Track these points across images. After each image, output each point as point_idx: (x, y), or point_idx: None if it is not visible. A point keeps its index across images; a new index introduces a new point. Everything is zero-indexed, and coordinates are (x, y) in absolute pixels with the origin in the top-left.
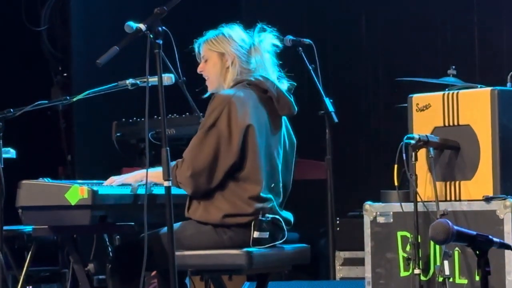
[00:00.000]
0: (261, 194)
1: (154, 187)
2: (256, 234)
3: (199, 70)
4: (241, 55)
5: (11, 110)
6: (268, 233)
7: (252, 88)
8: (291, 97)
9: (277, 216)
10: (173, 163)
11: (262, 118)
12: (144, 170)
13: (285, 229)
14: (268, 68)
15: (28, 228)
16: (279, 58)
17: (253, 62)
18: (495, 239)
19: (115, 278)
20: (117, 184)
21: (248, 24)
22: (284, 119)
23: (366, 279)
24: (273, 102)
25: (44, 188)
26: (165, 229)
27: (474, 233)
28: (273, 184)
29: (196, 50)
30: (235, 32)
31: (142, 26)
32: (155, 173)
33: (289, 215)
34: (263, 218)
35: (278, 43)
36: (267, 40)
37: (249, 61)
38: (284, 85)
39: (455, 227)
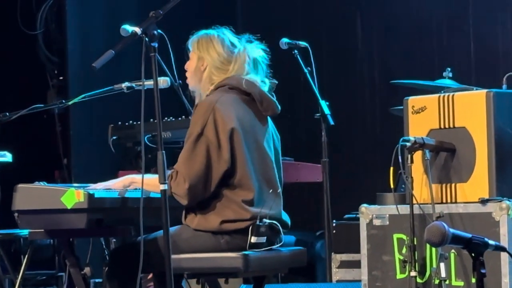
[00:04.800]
0: (256, 199)
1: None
2: (253, 239)
3: (185, 67)
4: (216, 63)
5: (7, 113)
6: (265, 237)
7: (234, 91)
8: (274, 96)
9: (274, 221)
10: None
11: (247, 120)
12: (132, 175)
13: (282, 233)
14: (251, 72)
15: (24, 232)
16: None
17: (234, 68)
18: (490, 242)
19: (112, 281)
20: (102, 188)
21: (244, 28)
22: (268, 117)
23: (362, 281)
24: (256, 104)
25: (40, 191)
26: (161, 232)
27: (470, 235)
28: (271, 190)
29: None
30: (220, 39)
31: (137, 30)
32: (146, 181)
33: (286, 218)
34: (261, 223)
35: (265, 54)
36: (255, 49)
37: (227, 68)
38: (266, 85)
39: (451, 230)
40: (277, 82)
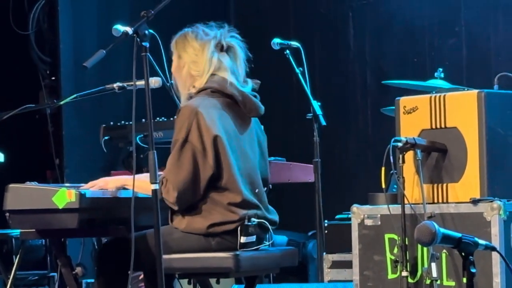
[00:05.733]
0: (244, 201)
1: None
2: (243, 239)
3: (171, 71)
4: (192, 57)
5: None
6: (254, 236)
7: (216, 95)
8: (257, 97)
9: (262, 220)
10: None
11: (229, 125)
12: (125, 177)
13: (271, 230)
14: (233, 70)
15: (15, 232)
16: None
17: (212, 65)
18: (480, 241)
19: (100, 276)
20: (97, 189)
21: (237, 28)
22: (253, 118)
23: (354, 281)
24: (238, 106)
25: (32, 191)
26: (151, 230)
27: (459, 235)
28: (257, 190)
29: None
30: (194, 34)
31: (128, 30)
32: (138, 183)
33: (274, 215)
34: (249, 223)
35: (244, 51)
36: (235, 43)
37: (205, 65)
38: (248, 86)
39: (440, 229)
40: (260, 82)
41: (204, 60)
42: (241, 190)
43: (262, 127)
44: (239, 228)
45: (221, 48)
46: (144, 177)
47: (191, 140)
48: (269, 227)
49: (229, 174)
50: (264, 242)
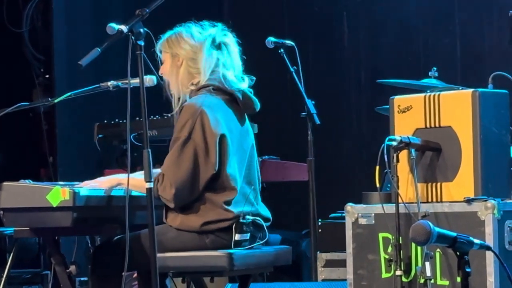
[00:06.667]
0: (240, 199)
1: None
2: (237, 237)
3: (160, 72)
4: (190, 55)
5: None
6: (249, 234)
7: (217, 92)
8: (252, 93)
9: (257, 217)
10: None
11: (232, 122)
12: (120, 176)
13: (265, 227)
14: (230, 67)
15: (9, 230)
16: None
17: (210, 62)
18: (475, 241)
19: (95, 278)
20: (91, 188)
21: (231, 26)
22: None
23: (348, 280)
24: (236, 103)
25: (26, 189)
26: (145, 230)
27: (454, 234)
28: (253, 186)
29: (157, 52)
30: (188, 32)
31: (123, 28)
32: (133, 181)
33: (266, 212)
34: (244, 221)
35: (238, 48)
36: (231, 39)
37: (204, 62)
38: (245, 83)
39: (436, 229)
40: (254, 78)
41: (202, 57)
42: (238, 188)
43: (250, 123)
44: (233, 226)
45: (218, 46)
46: (139, 175)
47: (194, 138)
48: (263, 224)
49: (227, 173)
50: (258, 240)
